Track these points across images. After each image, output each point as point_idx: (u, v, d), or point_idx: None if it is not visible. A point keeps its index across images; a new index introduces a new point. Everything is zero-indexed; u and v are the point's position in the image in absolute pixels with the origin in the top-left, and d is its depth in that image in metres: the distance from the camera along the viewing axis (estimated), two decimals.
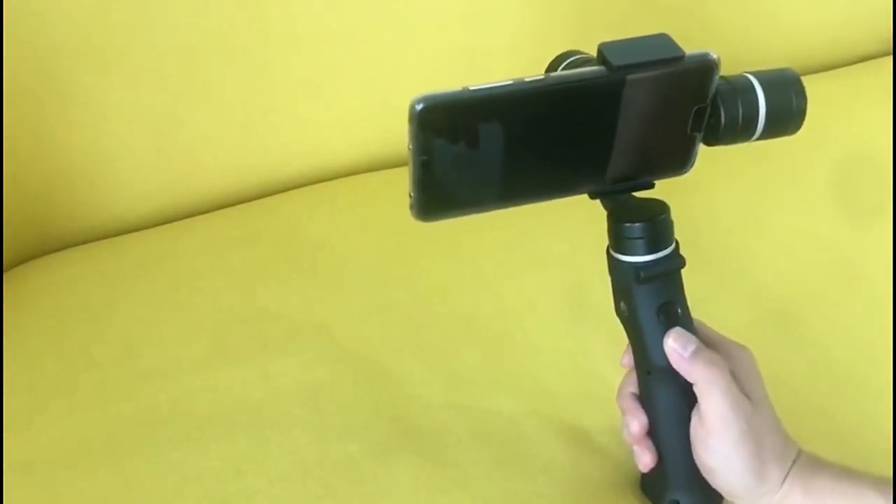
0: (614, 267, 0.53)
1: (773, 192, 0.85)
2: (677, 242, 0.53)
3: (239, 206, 0.84)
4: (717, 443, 0.51)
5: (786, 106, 0.51)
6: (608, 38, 0.48)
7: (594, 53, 0.49)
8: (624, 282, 0.53)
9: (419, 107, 0.44)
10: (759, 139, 0.52)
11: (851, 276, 0.77)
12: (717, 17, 0.96)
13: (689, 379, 0.52)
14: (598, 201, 0.53)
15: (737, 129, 0.51)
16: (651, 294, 0.52)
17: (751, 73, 0.52)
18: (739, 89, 0.50)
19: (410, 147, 0.45)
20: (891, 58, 1.04)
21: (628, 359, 0.56)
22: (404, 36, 0.84)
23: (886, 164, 0.85)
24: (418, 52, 0.85)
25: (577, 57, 0.53)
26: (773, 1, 0.99)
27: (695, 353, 0.51)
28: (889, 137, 0.88)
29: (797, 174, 0.86)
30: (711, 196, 0.82)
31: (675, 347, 0.52)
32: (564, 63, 0.54)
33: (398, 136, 0.90)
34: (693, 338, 0.52)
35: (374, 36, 0.83)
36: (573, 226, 0.78)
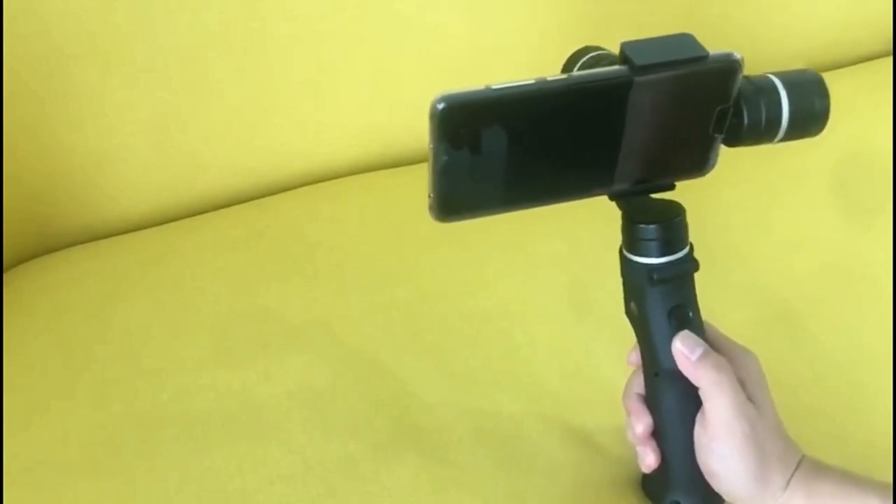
0: (627, 267, 0.53)
1: (774, 191, 0.85)
2: (691, 245, 0.52)
3: (239, 206, 0.84)
4: (721, 446, 0.51)
5: (809, 107, 0.50)
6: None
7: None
8: (636, 283, 0.52)
9: (441, 106, 0.43)
10: (781, 141, 0.51)
11: (852, 276, 0.77)
12: (717, 18, 0.96)
13: (694, 382, 0.52)
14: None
15: (759, 130, 0.50)
16: (663, 296, 0.52)
17: (773, 73, 0.51)
18: (763, 90, 0.50)
19: (431, 147, 0.44)
20: (891, 58, 1.04)
21: (635, 357, 0.55)
22: (405, 35, 0.84)
23: (886, 165, 0.85)
24: (419, 52, 0.85)
25: (595, 53, 0.52)
26: (774, 1, 0.99)
27: (701, 357, 0.51)
28: (889, 137, 0.88)
29: (797, 174, 0.86)
30: (713, 196, 0.82)
31: (683, 350, 0.52)
32: (582, 60, 0.53)
33: (398, 136, 0.90)
34: (700, 341, 0.52)
35: (374, 35, 0.83)
36: (574, 226, 0.78)
